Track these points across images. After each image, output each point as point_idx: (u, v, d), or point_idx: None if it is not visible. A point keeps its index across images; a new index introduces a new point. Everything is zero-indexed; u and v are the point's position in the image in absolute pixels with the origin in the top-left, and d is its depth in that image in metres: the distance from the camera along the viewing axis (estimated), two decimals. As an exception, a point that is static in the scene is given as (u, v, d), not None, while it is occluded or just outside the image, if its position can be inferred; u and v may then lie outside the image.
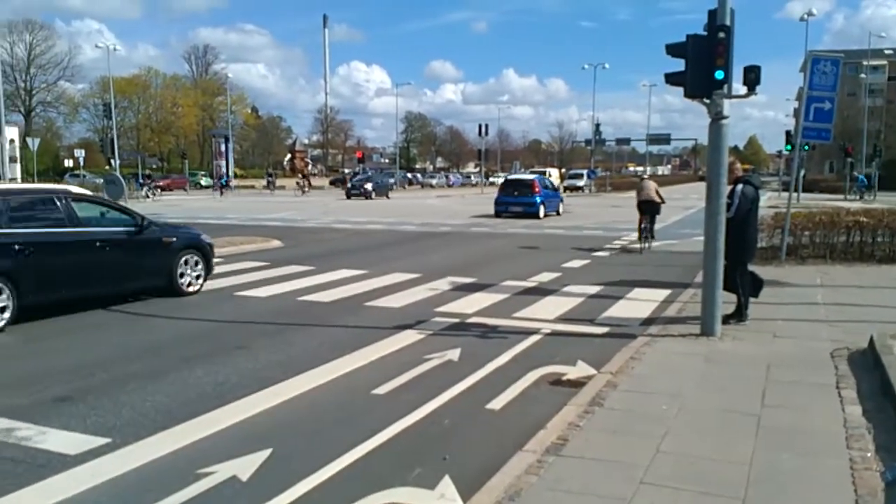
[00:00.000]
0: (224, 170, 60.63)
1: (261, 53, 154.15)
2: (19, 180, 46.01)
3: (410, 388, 6.09)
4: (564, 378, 6.35)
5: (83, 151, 57.17)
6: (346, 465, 4.48)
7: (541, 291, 10.83)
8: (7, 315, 8.20)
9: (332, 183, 73.07)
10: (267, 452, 4.60)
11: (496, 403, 5.67)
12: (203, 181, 64.21)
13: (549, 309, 9.45)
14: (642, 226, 16.32)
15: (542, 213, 26.49)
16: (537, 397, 5.87)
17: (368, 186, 45.28)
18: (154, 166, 79.55)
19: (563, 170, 79.89)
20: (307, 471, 4.34)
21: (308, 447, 4.78)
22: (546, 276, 12.27)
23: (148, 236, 10.07)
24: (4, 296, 8.17)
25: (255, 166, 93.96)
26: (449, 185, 76.83)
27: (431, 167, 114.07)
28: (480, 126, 57.18)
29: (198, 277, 10.77)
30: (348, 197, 44.61)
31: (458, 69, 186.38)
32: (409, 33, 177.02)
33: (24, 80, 79.29)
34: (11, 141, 47.09)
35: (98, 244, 9.28)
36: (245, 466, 4.40)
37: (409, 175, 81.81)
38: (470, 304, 9.69)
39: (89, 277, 9.25)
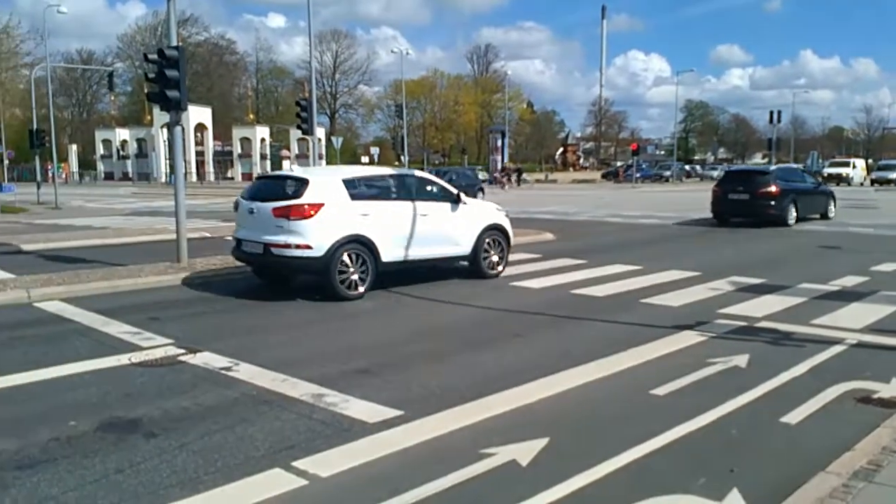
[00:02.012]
0: (499, 164, 62.90)
1: (539, 49, 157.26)
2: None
3: (692, 391, 5.78)
4: (876, 396, 5.58)
5: (378, 149, 63.13)
6: (625, 463, 4.38)
7: (845, 296, 9.65)
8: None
9: (603, 176, 72.30)
10: (544, 441, 4.66)
11: (792, 417, 5.15)
12: (480, 175, 67.23)
13: (855, 317, 8.37)
14: None
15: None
16: (841, 415, 5.23)
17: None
18: (437, 162, 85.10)
19: (870, 160, 70.55)
20: (584, 464, 4.31)
21: (585, 440, 4.76)
22: (851, 280, 10.90)
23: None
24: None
25: (529, 160, 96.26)
26: (731, 178, 71.76)
27: (712, 158, 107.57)
28: (772, 113, 53.20)
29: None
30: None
31: (747, 53, 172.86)
32: (692, 18, 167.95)
33: (330, 86, 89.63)
34: (318, 140, 53.58)
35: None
36: (524, 452, 4.49)
37: (688, 167, 77.97)
38: (758, 307, 8.94)
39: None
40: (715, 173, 71.74)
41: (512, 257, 13.67)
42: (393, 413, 5.24)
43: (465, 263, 11.54)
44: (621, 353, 6.86)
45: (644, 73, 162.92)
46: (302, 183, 9.75)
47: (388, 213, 10.24)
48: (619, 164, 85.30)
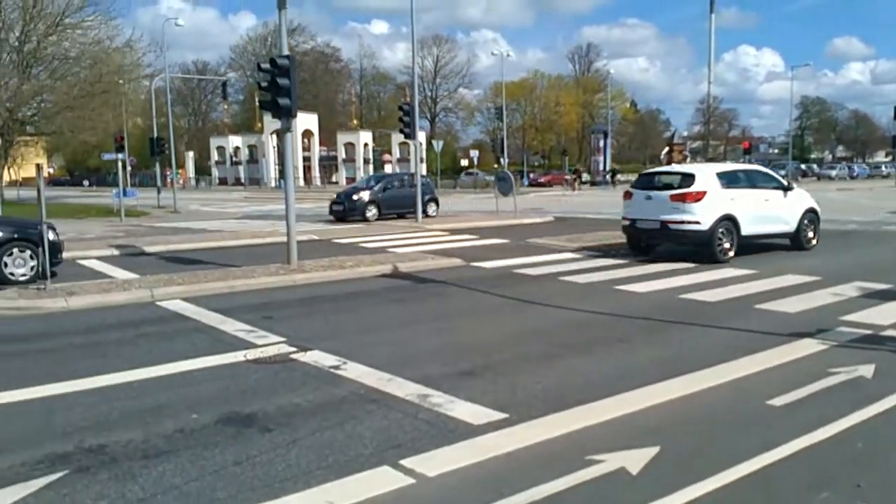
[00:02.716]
0: (601, 165, 61.81)
1: (643, 47, 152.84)
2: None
3: (813, 402, 5.47)
4: None
5: (477, 152, 63.37)
6: (742, 475, 4.19)
7: (983, 304, 8.90)
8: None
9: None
10: (655, 449, 4.53)
11: (926, 433, 4.80)
12: (582, 177, 66.30)
13: None
14: None
15: None
16: (983, 432, 4.83)
17: None
18: (536, 164, 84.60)
19: None
20: (699, 474, 4.16)
21: (699, 450, 4.59)
22: None
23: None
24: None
25: (632, 161, 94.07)
26: (852, 177, 67.85)
27: (830, 157, 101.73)
28: (896, 108, 49.25)
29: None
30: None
31: (868, 45, 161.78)
32: (808, 9, 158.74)
33: (431, 90, 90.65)
34: (420, 143, 54.36)
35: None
36: (634, 459, 4.39)
37: (803, 166, 74.13)
38: (886, 315, 8.37)
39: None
40: (833, 172, 67.95)
41: (616, 260, 13.44)
42: (498, 416, 5.23)
43: (787, 241, 14.38)
44: (735, 360, 6.58)
45: (755, 69, 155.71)
46: (690, 176, 13.20)
47: (746, 198, 13.32)
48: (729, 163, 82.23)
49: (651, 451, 4.51)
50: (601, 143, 63.95)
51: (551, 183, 59.75)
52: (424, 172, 47.79)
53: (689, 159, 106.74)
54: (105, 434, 4.99)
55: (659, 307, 9.20)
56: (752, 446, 4.56)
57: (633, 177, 61.27)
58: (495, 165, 56.81)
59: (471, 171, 61.70)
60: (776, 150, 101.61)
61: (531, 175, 63.10)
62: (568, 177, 55.01)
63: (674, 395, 5.65)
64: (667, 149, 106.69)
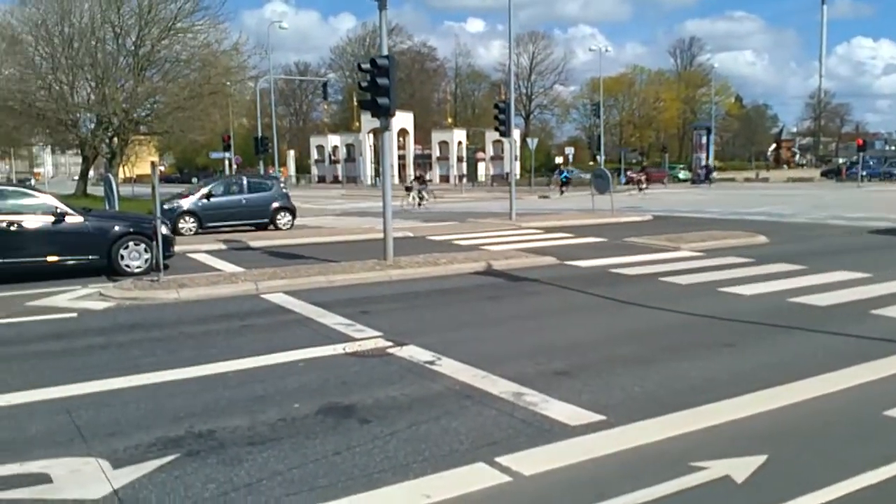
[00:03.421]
0: (703, 162, 59.74)
1: (749, 40, 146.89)
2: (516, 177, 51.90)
3: (938, 415, 5.11)
4: None
5: (572, 149, 62.54)
6: (856, 488, 3.97)
7: None
8: None
9: (823, 174, 66.29)
10: (762, 458, 4.34)
11: None
12: (681, 174, 64.42)
13: None
14: None
15: None
16: None
17: None
18: (634, 161, 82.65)
19: None
20: (809, 486, 3.96)
21: (809, 460, 4.37)
22: None
23: None
24: None
25: (736, 158, 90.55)
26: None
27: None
28: None
29: None
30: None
31: None
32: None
33: (526, 87, 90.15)
34: (514, 141, 54.15)
35: None
36: (739, 468, 4.21)
37: (924, 164, 69.15)
38: None
39: None
40: (959, 170, 63.11)
41: (719, 261, 12.97)
42: (595, 417, 5.15)
43: None
44: (849, 368, 6.23)
45: (871, 62, 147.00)
46: None
47: None
48: (840, 160, 77.69)
49: (758, 460, 4.32)
50: (703, 140, 61.68)
51: (649, 180, 58.24)
52: (517, 170, 47.38)
53: (797, 156, 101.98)
54: (213, 420, 5.22)
55: (766, 310, 8.81)
56: (868, 459, 4.30)
57: (734, 175, 58.82)
58: (591, 163, 55.91)
59: (565, 168, 61.00)
60: (893, 148, 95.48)
61: (628, 172, 61.75)
62: (555, 179, 48.78)
63: (783, 403, 5.39)
64: (774, 145, 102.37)
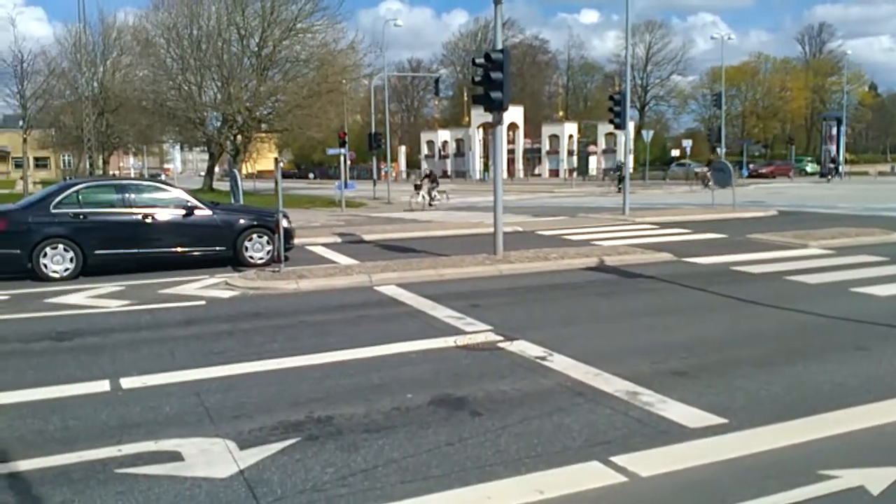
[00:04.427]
0: (832, 154, 56.14)
1: (887, 24, 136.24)
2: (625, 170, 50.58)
3: None
4: None
5: (690, 141, 60.32)
6: None
7: None
8: None
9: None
10: (902, 471, 4.05)
11: None
12: (809, 167, 60.87)
13: None
14: None
15: None
16: None
17: None
18: (757, 153, 78.78)
19: None
20: (957, 505, 3.66)
21: (956, 477, 4.03)
22: None
23: None
24: None
25: (869, 150, 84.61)
26: None
27: None
28: None
29: None
30: None
31: None
32: None
33: (641, 78, 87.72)
34: (628, 133, 52.79)
35: None
36: (875, 479, 3.95)
37: None
38: None
39: None
40: None
41: (851, 259, 12.19)
42: (716, 420, 4.95)
43: None
44: None
45: None
46: None
47: None
48: None
49: (895, 471, 4.03)
50: (834, 131, 57.91)
51: (774, 174, 55.41)
52: (631, 164, 45.85)
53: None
54: (331, 407, 5.39)
55: (904, 313, 8.20)
56: None
57: (867, 168, 54.69)
58: (711, 156, 53.67)
59: (682, 161, 58.86)
60: None
61: (751, 165, 58.92)
62: (609, 174, 45.32)
63: (924, 413, 5.01)
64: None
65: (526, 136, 74.69)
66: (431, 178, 30.54)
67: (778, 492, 3.83)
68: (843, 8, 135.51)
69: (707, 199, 23.92)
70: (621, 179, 38.45)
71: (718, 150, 44.36)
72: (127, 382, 6.09)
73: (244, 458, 4.48)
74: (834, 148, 55.87)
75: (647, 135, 46.21)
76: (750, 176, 53.90)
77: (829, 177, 47.97)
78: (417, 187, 30.13)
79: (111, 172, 56.79)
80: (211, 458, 4.50)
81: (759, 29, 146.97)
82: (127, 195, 12.33)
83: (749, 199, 27.82)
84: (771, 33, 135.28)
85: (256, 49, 38.89)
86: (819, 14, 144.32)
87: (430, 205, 28.81)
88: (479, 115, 63.63)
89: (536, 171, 73.74)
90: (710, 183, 33.04)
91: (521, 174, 72.14)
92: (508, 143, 70.61)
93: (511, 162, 72.47)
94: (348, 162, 48.84)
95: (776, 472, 4.11)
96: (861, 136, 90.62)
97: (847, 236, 14.85)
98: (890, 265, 11.55)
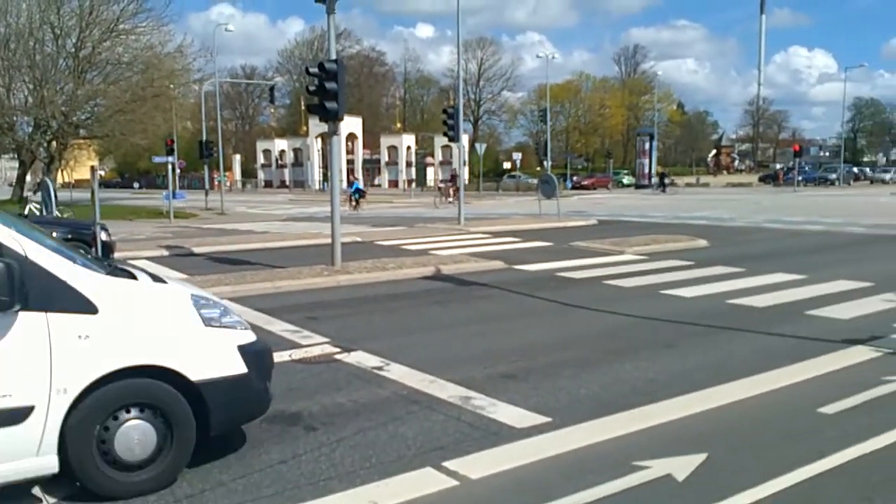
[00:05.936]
0: (647, 168, 61.00)
1: (692, 48, 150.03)
2: (465, 182, 52.04)
3: (865, 411, 5.33)
4: None
5: (520, 154, 63.15)
6: (790, 484, 4.10)
7: None
8: None
9: (761, 179, 68.55)
10: (702, 457, 4.46)
11: None
12: (625, 179, 65.70)
13: None
14: None
15: None
16: None
17: None
18: (580, 166, 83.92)
19: None
20: (746, 483, 4.09)
21: (746, 458, 4.50)
22: None
23: None
24: None
25: (678, 163, 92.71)
26: (906, 181, 65.64)
27: (884, 160, 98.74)
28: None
29: None
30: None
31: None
32: (862, 9, 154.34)
33: (475, 93, 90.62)
34: (462, 146, 54.47)
35: None
36: (680, 466, 4.32)
37: (856, 169, 72.07)
38: (943, 322, 8.11)
39: None
40: (887, 176, 65.94)
41: (661, 264, 13.27)
42: (541, 419, 5.22)
43: None
44: (784, 367, 6.45)
45: (807, 70, 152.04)
46: None
47: None
48: (778, 166, 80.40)
49: (698, 458, 4.44)
50: (647, 146, 63.01)
51: (595, 185, 59.31)
52: (466, 175, 47.28)
53: (736, 162, 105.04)
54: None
55: (706, 312, 9.06)
56: (803, 455, 4.46)
57: (675, 180, 60.24)
58: (538, 168, 56.52)
59: (513, 174, 61.52)
60: (828, 153, 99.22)
61: (574, 178, 62.71)
62: (442, 185, 45.79)
63: (721, 402, 5.56)
64: (714, 151, 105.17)
65: (365, 146, 74.82)
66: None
67: (596, 484, 4.09)
68: (655, 32, 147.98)
69: (535, 209, 25.14)
70: (457, 191, 39.57)
71: (545, 163, 46.72)
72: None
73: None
74: (647, 161, 60.75)
75: (481, 148, 47.73)
76: (574, 188, 57.30)
77: (664, 189, 50.90)
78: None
79: None
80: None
81: (582, 49, 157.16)
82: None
83: (573, 209, 29.56)
84: (592, 53, 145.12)
85: (73, 50, 36.01)
86: (634, 36, 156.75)
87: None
88: (317, 125, 62.78)
89: (376, 182, 73.98)
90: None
91: (361, 184, 72.05)
92: (347, 153, 70.33)
93: (350, 172, 72.13)
94: (177, 171, 46.53)
95: (595, 466, 4.40)
96: (671, 150, 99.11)
97: (658, 243, 16.17)
98: (695, 268, 12.71)
